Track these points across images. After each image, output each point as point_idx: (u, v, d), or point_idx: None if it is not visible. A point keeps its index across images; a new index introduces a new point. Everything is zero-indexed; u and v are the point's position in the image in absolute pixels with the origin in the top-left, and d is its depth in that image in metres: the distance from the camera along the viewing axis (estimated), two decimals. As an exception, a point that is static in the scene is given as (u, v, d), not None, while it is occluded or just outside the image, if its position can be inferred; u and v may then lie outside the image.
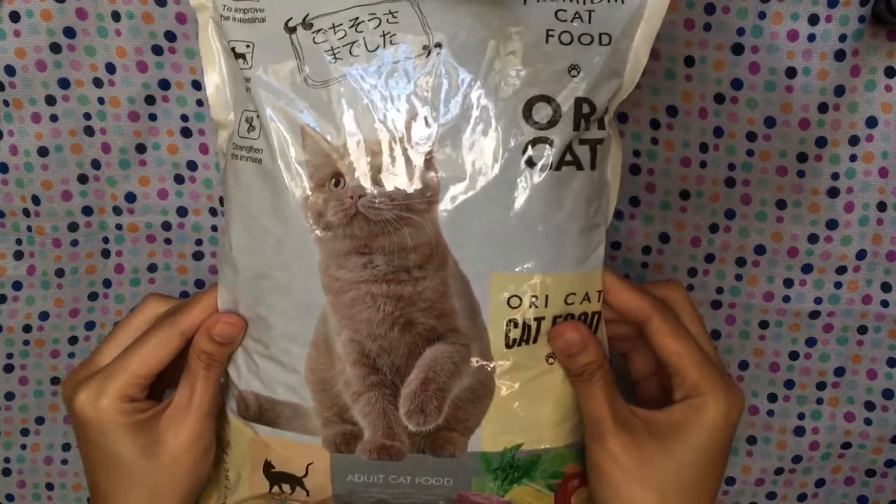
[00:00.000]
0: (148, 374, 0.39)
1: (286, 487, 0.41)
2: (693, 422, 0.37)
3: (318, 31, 0.38)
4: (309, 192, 0.38)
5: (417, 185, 0.37)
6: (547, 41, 0.38)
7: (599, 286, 0.40)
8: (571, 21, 0.38)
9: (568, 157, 0.38)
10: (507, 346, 0.38)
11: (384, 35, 0.38)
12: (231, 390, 0.41)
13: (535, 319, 0.38)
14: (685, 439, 0.37)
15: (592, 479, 0.39)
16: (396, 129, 0.37)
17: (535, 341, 0.39)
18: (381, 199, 0.37)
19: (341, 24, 0.38)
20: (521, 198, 0.38)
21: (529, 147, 0.38)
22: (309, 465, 0.40)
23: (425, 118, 0.38)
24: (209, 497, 0.45)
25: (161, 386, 0.41)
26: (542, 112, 0.38)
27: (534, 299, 0.38)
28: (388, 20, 0.38)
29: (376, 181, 0.37)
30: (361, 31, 0.38)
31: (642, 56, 0.39)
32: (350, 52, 0.38)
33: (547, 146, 0.38)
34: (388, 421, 0.39)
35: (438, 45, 0.38)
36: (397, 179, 0.37)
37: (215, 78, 0.41)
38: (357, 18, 0.38)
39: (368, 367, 0.38)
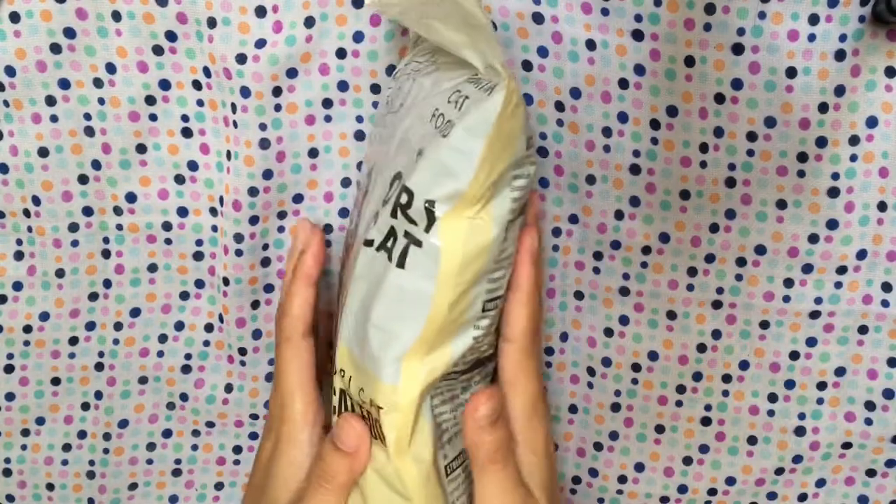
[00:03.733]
0: (312, 382, 0.43)
1: None
2: None
3: None
4: None
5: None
6: (430, 120, 0.36)
7: (382, 403, 0.36)
8: (451, 104, 0.35)
9: (389, 244, 0.36)
10: (336, 413, 0.39)
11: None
12: None
13: (351, 399, 0.37)
14: None
15: None
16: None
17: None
18: None
19: None
20: (356, 262, 0.37)
21: (373, 218, 0.37)
22: None
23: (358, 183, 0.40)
24: None
25: None
26: (393, 188, 0.36)
27: (342, 371, 0.37)
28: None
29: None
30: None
31: (485, 165, 0.34)
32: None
33: (373, 222, 0.37)
34: None
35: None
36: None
37: None
38: None
39: None
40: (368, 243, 0.36)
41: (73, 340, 0.50)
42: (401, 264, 0.35)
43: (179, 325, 0.51)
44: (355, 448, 0.37)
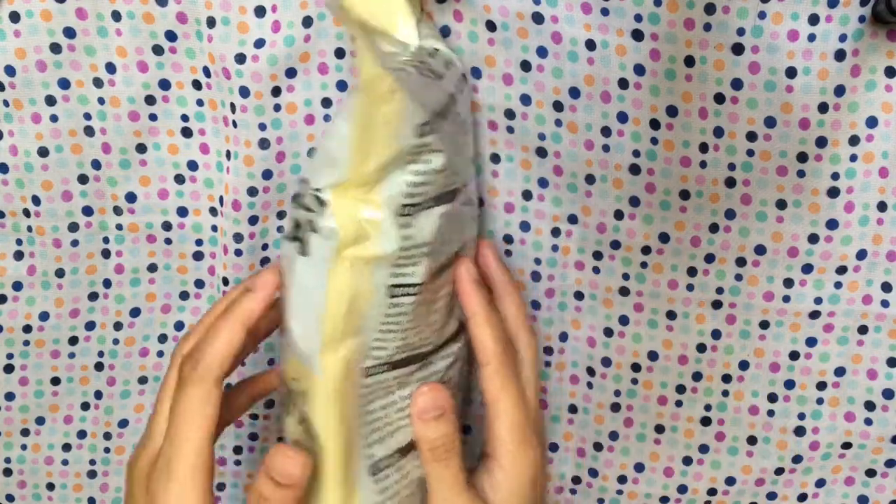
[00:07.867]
0: (211, 437, 0.38)
1: None
2: (492, 486, 0.41)
3: None
4: None
5: None
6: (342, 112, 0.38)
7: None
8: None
9: (298, 233, 0.37)
10: (286, 413, 0.40)
11: None
12: None
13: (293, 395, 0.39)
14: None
15: None
16: None
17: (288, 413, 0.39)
18: None
19: None
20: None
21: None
22: None
23: None
24: None
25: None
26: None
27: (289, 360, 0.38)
28: None
29: None
30: None
31: (361, 149, 0.35)
32: None
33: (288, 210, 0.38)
34: None
35: None
36: None
37: None
38: None
39: None
40: (286, 236, 0.38)
41: (73, 340, 0.50)
42: (303, 252, 0.37)
43: (179, 325, 0.51)
44: (293, 479, 0.36)
